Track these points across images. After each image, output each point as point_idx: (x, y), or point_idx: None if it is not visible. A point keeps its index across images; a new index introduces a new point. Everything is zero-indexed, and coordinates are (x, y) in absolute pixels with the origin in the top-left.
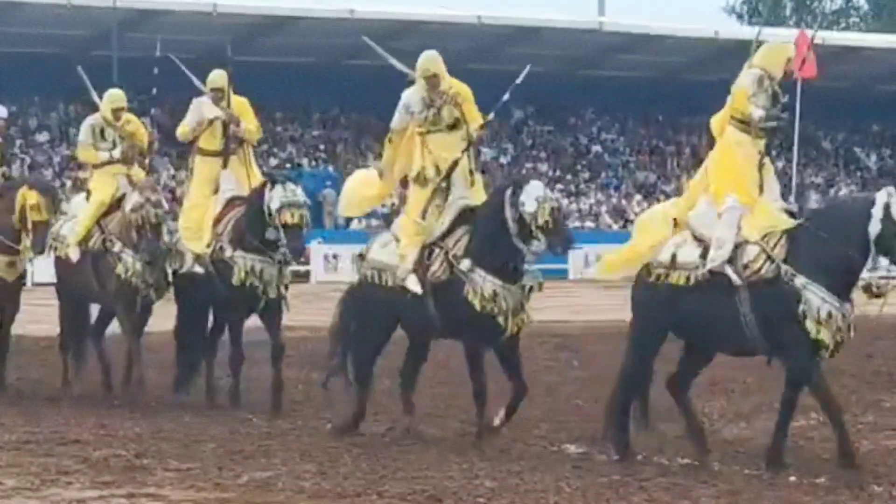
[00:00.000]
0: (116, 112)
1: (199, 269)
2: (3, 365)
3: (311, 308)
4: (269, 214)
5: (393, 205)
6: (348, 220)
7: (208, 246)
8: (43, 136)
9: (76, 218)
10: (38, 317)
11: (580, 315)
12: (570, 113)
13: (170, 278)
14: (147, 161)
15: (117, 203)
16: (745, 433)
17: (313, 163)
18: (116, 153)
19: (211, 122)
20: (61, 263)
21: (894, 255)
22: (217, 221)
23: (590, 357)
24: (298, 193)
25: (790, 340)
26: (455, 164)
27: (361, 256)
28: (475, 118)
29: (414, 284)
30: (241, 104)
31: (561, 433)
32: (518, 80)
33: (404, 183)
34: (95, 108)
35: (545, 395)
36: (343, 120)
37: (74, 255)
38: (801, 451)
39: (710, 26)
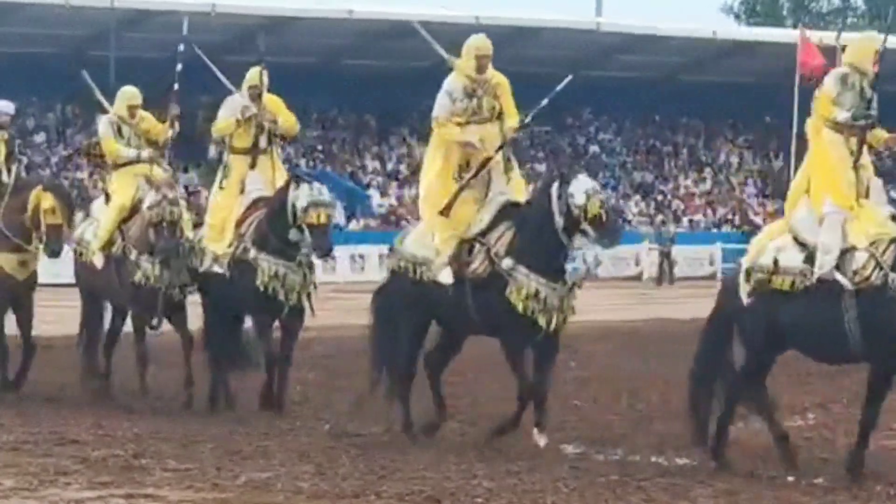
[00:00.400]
0: (132, 109)
1: (217, 269)
2: (27, 367)
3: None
4: (295, 214)
5: (392, 205)
6: (347, 219)
7: (230, 246)
8: (40, 137)
9: (98, 222)
10: (38, 317)
11: (577, 315)
12: (567, 113)
13: (189, 276)
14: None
15: (137, 206)
16: (743, 433)
17: (311, 163)
18: (145, 154)
19: (248, 119)
20: (84, 266)
21: None
22: (241, 222)
23: (587, 357)
24: (325, 193)
25: None
26: (487, 160)
27: (392, 250)
28: (512, 113)
29: (447, 277)
30: (274, 101)
31: (559, 433)
32: (559, 88)
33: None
34: (95, 109)
35: None
36: (341, 120)
37: (99, 261)
38: (799, 452)
39: (707, 26)
